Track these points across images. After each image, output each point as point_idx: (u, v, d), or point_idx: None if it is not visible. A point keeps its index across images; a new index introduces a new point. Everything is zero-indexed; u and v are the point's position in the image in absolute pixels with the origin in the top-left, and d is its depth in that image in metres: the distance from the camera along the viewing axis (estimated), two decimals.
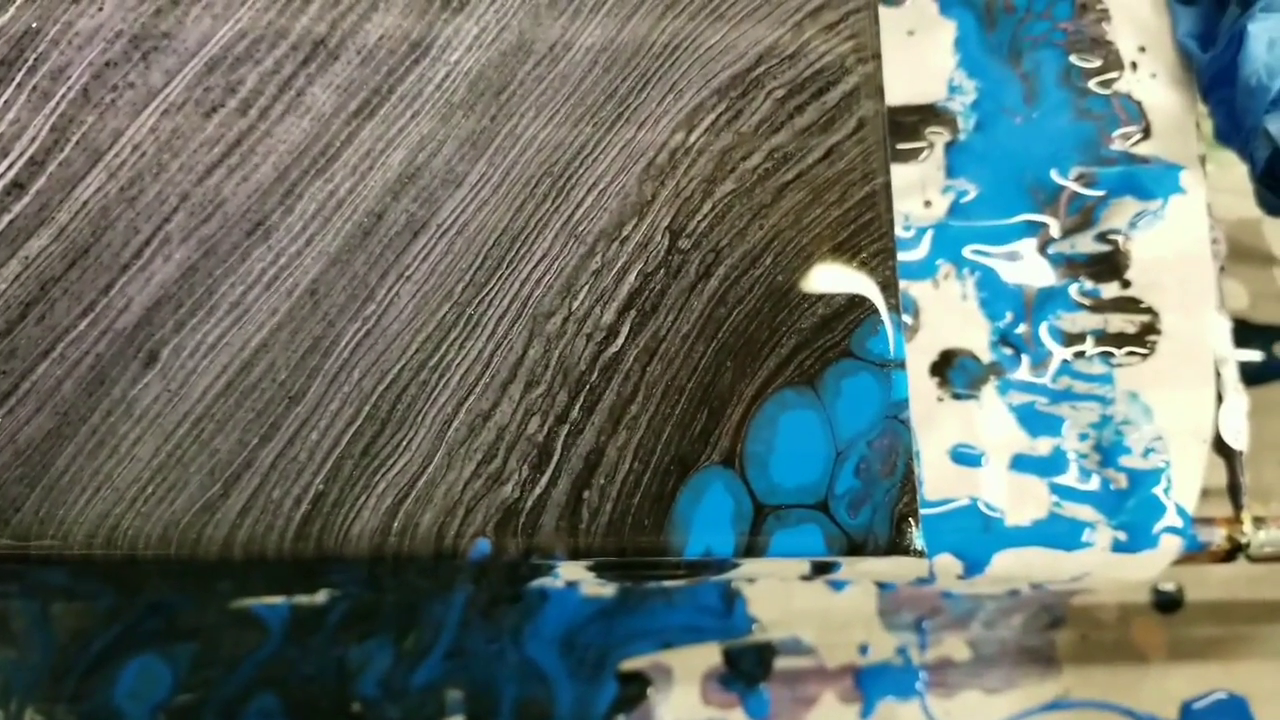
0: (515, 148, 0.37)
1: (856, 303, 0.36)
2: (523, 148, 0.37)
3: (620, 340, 0.35)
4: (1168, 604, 0.67)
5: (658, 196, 0.36)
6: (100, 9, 0.37)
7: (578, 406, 0.34)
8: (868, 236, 0.36)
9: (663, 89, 0.37)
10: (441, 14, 0.37)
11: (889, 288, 0.36)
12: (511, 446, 0.34)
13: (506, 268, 0.35)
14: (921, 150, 0.47)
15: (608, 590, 0.65)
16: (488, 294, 0.35)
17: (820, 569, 0.45)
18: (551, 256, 0.36)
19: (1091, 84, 0.48)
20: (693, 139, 0.37)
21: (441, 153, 0.36)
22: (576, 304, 0.35)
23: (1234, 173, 0.49)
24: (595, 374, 0.35)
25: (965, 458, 0.43)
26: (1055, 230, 0.46)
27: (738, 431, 0.34)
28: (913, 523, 0.33)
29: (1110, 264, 0.46)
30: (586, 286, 0.35)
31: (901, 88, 0.47)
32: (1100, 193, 0.46)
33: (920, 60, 0.47)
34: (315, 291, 0.35)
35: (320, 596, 0.65)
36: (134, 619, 0.66)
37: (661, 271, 0.36)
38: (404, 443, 0.34)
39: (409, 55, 0.37)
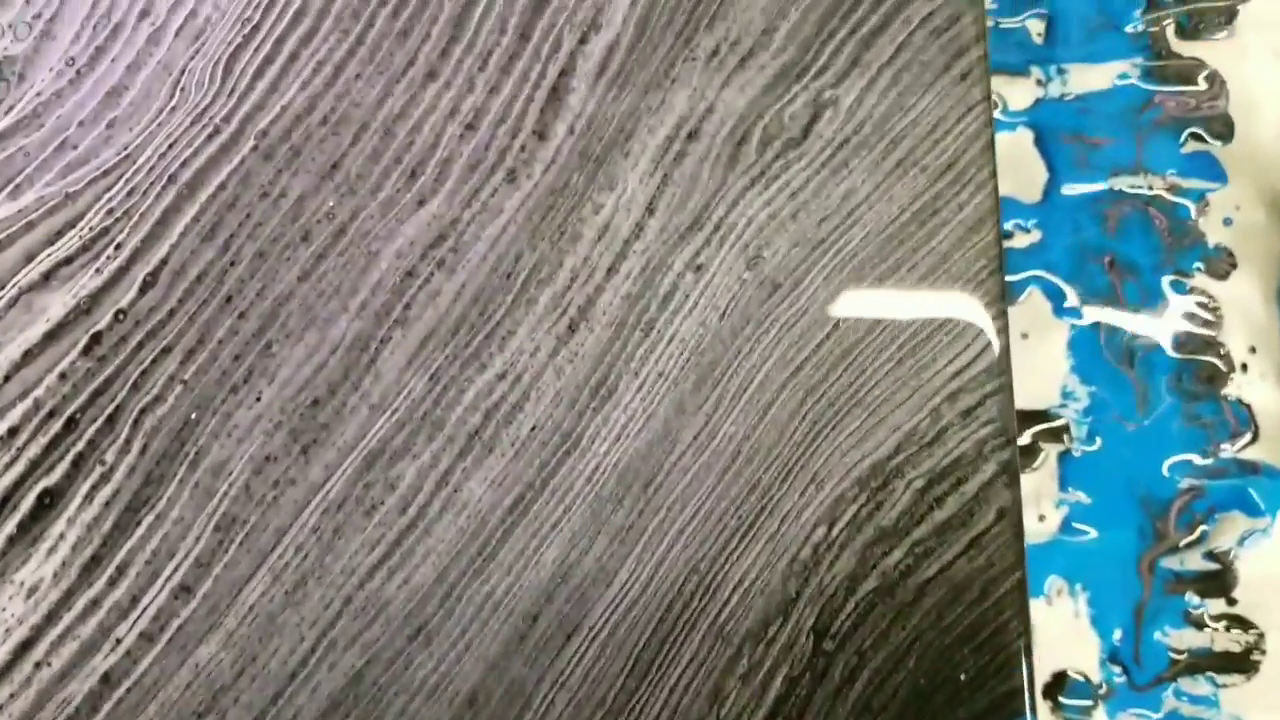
0: (663, 544, 0.38)
1: (996, 706, 0.37)
2: (669, 543, 0.38)
3: None
4: None
5: (801, 594, 0.37)
6: (258, 399, 0.38)
7: None
8: (1006, 636, 0.37)
9: (804, 479, 0.38)
10: (590, 403, 0.38)
11: (1028, 691, 0.37)
12: None
13: (656, 672, 0.37)
14: (1036, 458, 0.47)
15: None
16: (638, 700, 0.36)
17: None
18: (699, 660, 0.37)
19: (1202, 388, 0.48)
20: (835, 533, 0.38)
21: (592, 550, 0.37)
22: (725, 711, 0.36)
23: None
24: None
25: None
26: (1165, 545, 0.47)
27: None
28: None
29: (1217, 581, 0.47)
30: (734, 692, 0.37)
31: (1017, 392, 0.47)
32: (1209, 508, 0.47)
33: (1034, 365, 0.48)
34: (474, 700, 0.36)
35: None
36: None
37: (807, 675, 0.37)
38: None
39: (560, 446, 0.38)
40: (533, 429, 0.38)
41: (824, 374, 0.39)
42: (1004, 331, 0.40)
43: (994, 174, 0.41)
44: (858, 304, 0.39)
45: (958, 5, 0.41)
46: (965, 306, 0.40)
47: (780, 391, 0.39)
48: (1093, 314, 0.50)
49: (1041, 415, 0.49)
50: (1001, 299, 0.40)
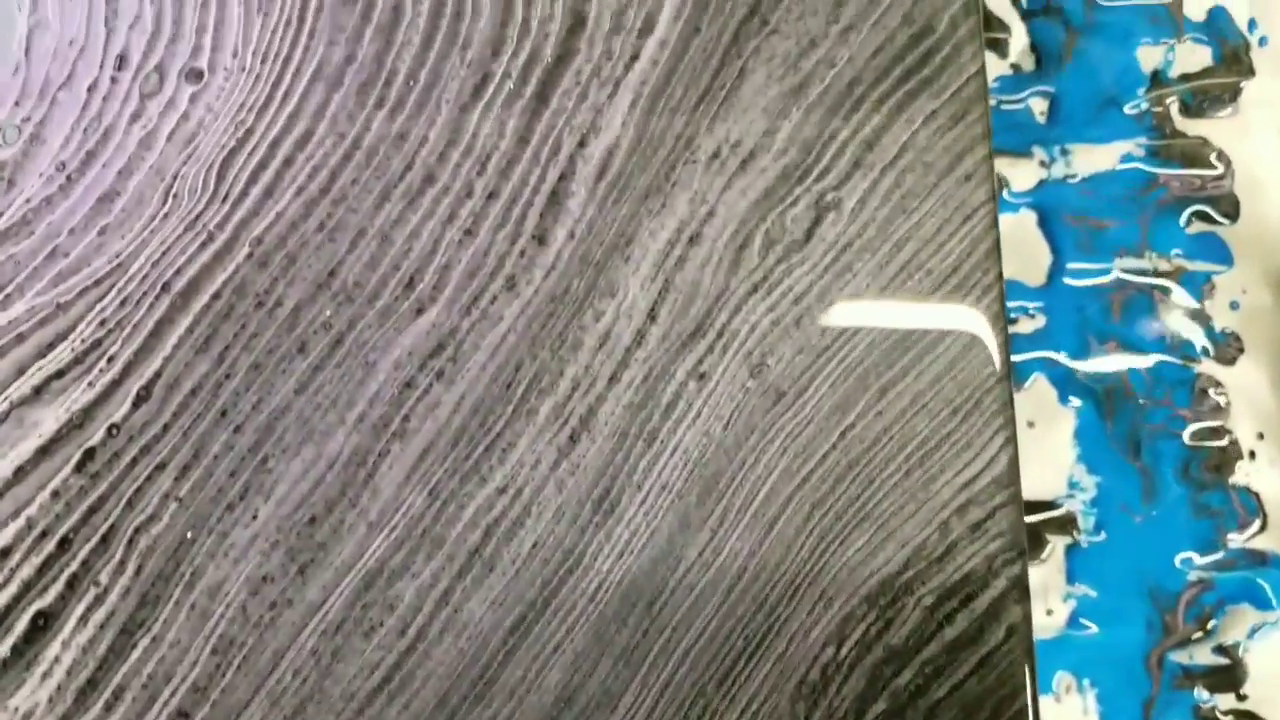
0: (668, 665, 0.37)
1: None
2: (675, 665, 0.37)
3: None
4: None
5: (810, 718, 0.37)
6: (255, 517, 0.37)
7: None
8: None
9: (812, 597, 0.38)
10: (593, 518, 0.38)
11: None
12: None
13: None
14: (1043, 550, 0.47)
15: None
16: None
17: None
18: None
19: (1209, 476, 0.48)
20: (843, 653, 0.37)
21: (596, 672, 0.37)
22: None
23: None
24: None
25: None
26: (1174, 639, 0.46)
27: None
28: None
29: (1227, 676, 0.46)
30: None
31: (1023, 483, 0.47)
32: (1218, 600, 0.46)
33: (1040, 454, 0.47)
34: None
35: None
36: None
37: None
38: None
39: (562, 564, 0.37)
40: (534, 546, 0.37)
41: (830, 486, 0.38)
42: (1012, 441, 0.39)
43: (1000, 277, 0.40)
44: (863, 411, 0.39)
45: (962, 104, 0.41)
46: (972, 415, 0.39)
47: (786, 505, 0.38)
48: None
49: (1048, 505, 0.49)
50: (1009, 406, 0.39)
